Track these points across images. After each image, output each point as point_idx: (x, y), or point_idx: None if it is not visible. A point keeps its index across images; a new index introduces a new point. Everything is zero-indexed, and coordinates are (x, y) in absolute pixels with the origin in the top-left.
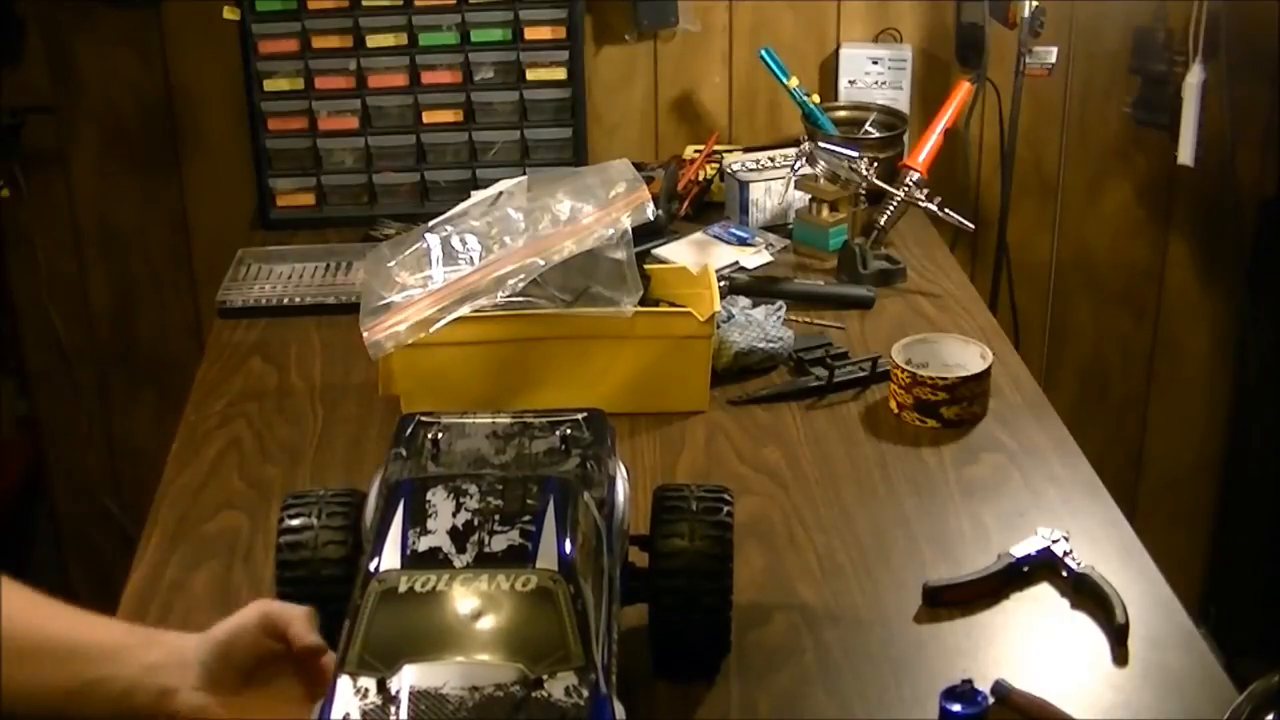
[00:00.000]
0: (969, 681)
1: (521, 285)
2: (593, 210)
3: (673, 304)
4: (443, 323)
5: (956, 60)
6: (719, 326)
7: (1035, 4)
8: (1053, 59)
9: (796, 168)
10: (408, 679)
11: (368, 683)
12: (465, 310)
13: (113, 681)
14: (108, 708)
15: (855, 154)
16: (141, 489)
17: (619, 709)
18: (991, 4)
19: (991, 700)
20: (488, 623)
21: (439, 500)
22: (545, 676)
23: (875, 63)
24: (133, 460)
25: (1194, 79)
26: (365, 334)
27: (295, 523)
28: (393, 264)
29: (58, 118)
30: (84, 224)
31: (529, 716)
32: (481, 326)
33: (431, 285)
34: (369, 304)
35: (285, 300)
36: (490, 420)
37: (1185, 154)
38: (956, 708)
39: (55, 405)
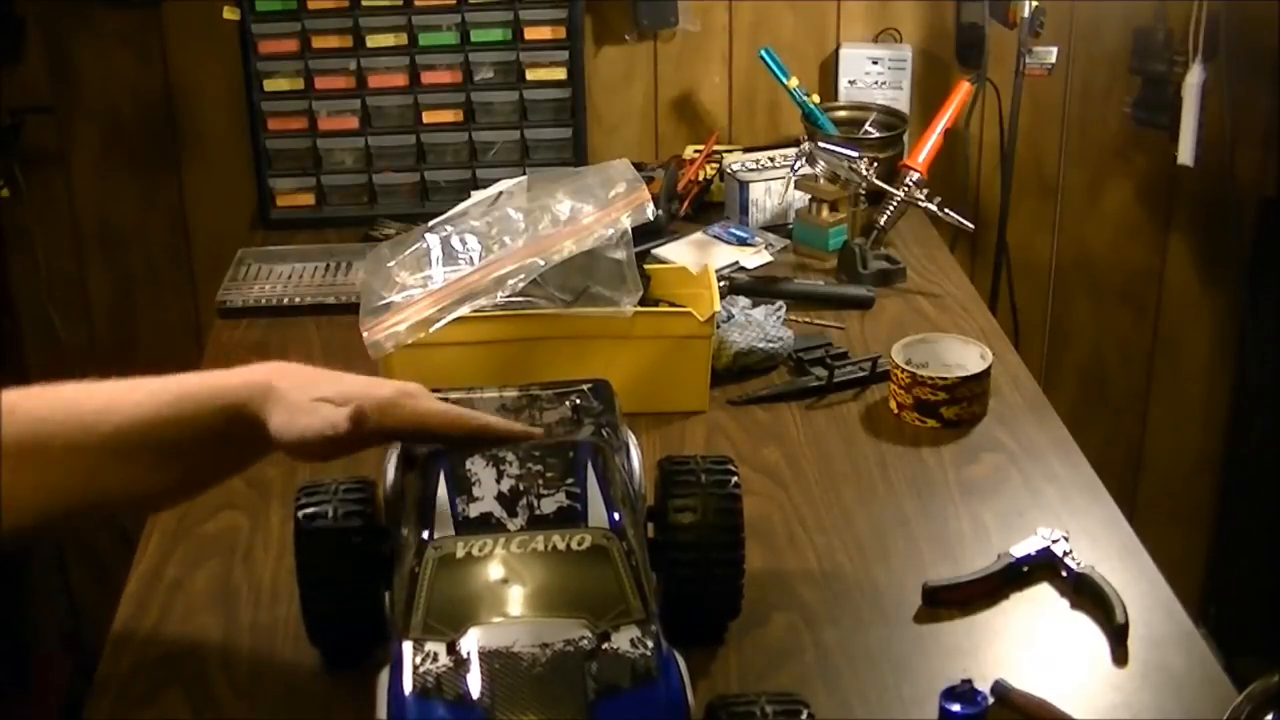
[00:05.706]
0: (969, 681)
1: (521, 285)
2: (593, 210)
3: (673, 304)
4: (443, 323)
5: (956, 60)
6: (719, 326)
7: (1035, 4)
8: (1053, 59)
9: (796, 168)
10: (477, 640)
11: (435, 647)
12: (465, 310)
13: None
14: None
15: (855, 154)
16: None
17: (679, 659)
18: (991, 4)
19: (991, 700)
20: (547, 582)
21: (479, 469)
22: (610, 630)
23: (875, 63)
24: None
25: (1194, 79)
26: (365, 334)
27: (314, 495)
28: (393, 264)
29: (58, 118)
30: (84, 224)
31: (602, 667)
32: (481, 326)
33: (431, 285)
34: (369, 304)
35: (285, 300)
36: (497, 394)
37: (1185, 154)
38: (956, 708)
39: None
